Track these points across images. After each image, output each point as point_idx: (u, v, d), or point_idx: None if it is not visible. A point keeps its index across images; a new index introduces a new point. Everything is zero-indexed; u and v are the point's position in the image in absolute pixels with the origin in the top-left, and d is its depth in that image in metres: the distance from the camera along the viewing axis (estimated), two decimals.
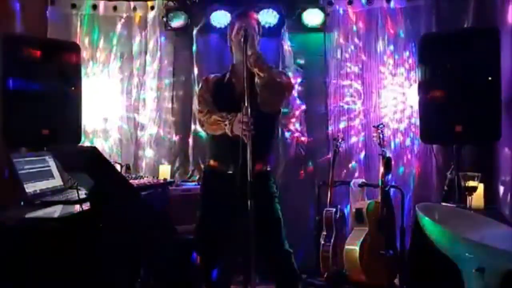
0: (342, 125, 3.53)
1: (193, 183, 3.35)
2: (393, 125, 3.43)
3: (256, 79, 2.15)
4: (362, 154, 3.50)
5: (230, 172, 2.20)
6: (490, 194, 2.73)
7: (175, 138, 3.63)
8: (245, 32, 2.08)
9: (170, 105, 3.62)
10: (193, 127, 3.58)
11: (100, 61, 3.58)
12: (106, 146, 3.58)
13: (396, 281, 3.04)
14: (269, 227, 2.27)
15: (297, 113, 3.57)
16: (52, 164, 2.58)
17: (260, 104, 2.15)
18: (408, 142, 3.40)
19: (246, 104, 1.96)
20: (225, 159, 2.26)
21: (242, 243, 1.96)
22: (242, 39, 2.06)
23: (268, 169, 2.37)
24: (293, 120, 3.56)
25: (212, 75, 2.48)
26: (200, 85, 2.50)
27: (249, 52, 2.08)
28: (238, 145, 1.97)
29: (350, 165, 3.50)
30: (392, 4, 3.42)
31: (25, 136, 2.74)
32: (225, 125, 2.18)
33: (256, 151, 1.98)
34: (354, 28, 3.51)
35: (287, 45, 3.55)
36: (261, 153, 2.26)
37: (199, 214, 2.42)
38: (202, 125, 2.42)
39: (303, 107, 3.57)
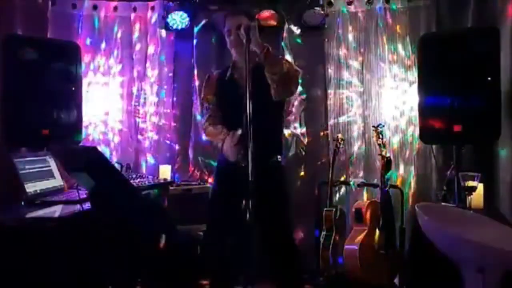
0: (342, 125, 3.53)
1: (193, 183, 3.36)
2: (393, 125, 3.43)
3: (270, 74, 2.15)
4: (362, 154, 3.50)
5: (240, 165, 2.21)
6: (490, 194, 2.73)
7: (175, 138, 3.63)
8: (248, 29, 2.07)
9: (170, 105, 3.62)
10: (192, 126, 3.58)
11: (100, 62, 3.57)
12: (106, 145, 3.58)
13: (396, 281, 3.04)
14: (278, 220, 2.28)
15: (297, 113, 3.57)
16: (52, 164, 2.58)
17: (276, 94, 2.20)
18: (407, 142, 3.40)
19: (248, 105, 1.95)
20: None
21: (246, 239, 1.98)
22: (245, 37, 2.06)
23: (279, 159, 2.38)
24: (293, 120, 3.57)
25: (214, 72, 2.52)
26: (203, 85, 2.52)
27: (258, 50, 2.10)
28: (245, 139, 1.98)
29: (350, 165, 3.51)
30: (392, 4, 3.42)
31: (25, 136, 2.74)
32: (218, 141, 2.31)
33: (265, 142, 2.01)
34: (354, 28, 3.51)
35: (287, 45, 3.55)
36: (270, 144, 2.28)
37: (210, 207, 2.48)
38: (204, 130, 2.53)
39: (303, 107, 3.57)
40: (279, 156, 2.39)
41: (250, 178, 1.90)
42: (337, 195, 3.43)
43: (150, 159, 3.57)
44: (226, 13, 2.40)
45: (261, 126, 1.95)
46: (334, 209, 3.15)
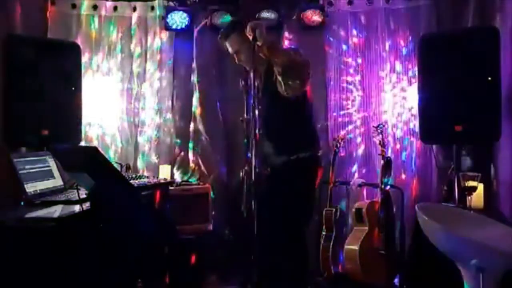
0: (342, 125, 3.53)
1: (193, 183, 3.36)
2: (393, 125, 3.43)
3: (276, 68, 2.12)
4: (362, 154, 3.50)
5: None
6: (490, 194, 2.74)
7: (175, 138, 3.62)
8: (254, 31, 2.07)
9: (170, 105, 3.62)
10: (192, 126, 3.58)
11: (100, 62, 3.57)
12: (106, 145, 3.58)
13: (396, 281, 3.04)
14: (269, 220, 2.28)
15: None
16: (52, 164, 2.58)
17: (285, 90, 2.12)
18: (408, 142, 3.40)
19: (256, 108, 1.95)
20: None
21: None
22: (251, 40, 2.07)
23: (302, 156, 2.30)
24: None
25: None
26: None
27: (259, 43, 2.09)
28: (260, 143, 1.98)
29: (350, 165, 3.50)
30: (392, 4, 3.42)
31: (25, 136, 2.74)
32: None
33: (283, 141, 2.06)
34: (354, 28, 3.51)
35: (287, 45, 3.54)
36: (288, 143, 2.28)
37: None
38: None
39: None
40: (302, 154, 2.30)
41: (252, 179, 1.91)
42: (337, 195, 3.42)
43: (150, 159, 3.56)
44: (221, 33, 2.47)
45: (275, 125, 1.95)
46: (334, 209, 3.16)
